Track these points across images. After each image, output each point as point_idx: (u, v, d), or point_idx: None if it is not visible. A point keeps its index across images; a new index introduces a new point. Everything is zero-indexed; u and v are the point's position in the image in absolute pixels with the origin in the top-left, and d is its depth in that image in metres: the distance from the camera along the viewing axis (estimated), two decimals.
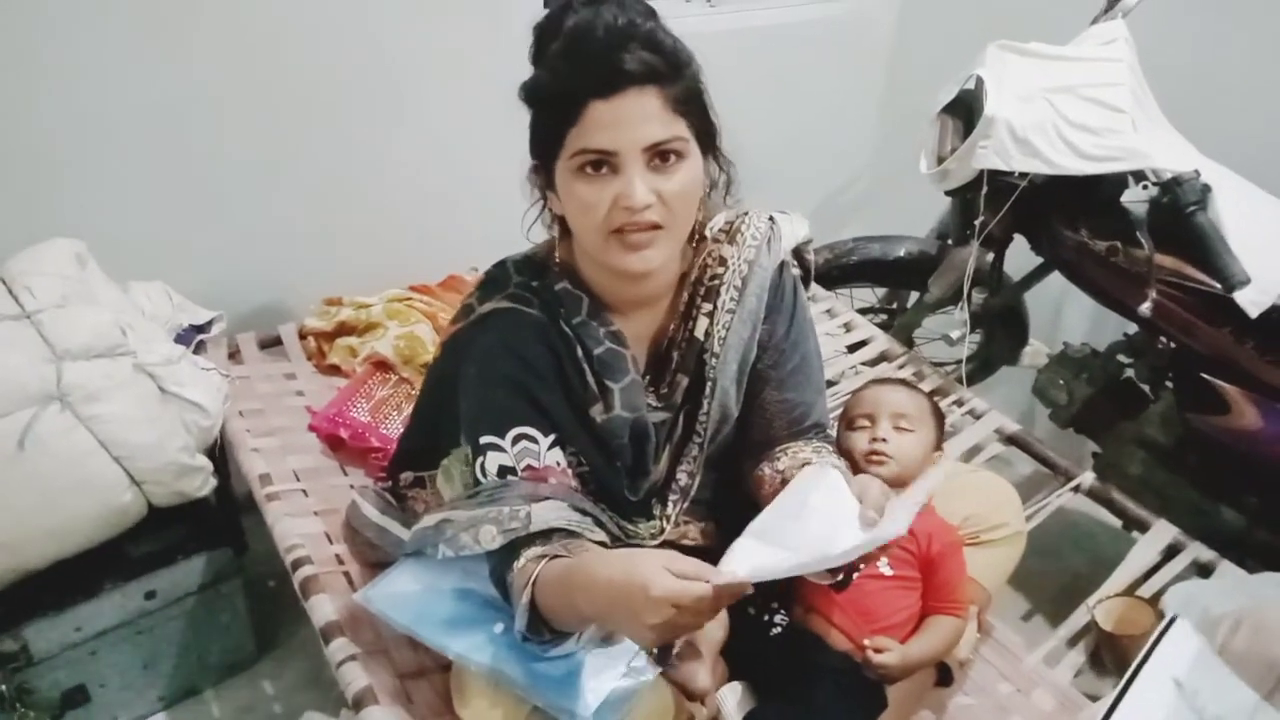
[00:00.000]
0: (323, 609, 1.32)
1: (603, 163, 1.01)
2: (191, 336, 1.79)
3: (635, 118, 0.99)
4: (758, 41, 2.44)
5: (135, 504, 1.54)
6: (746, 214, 1.22)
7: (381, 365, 1.82)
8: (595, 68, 0.98)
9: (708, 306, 1.19)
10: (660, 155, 1.01)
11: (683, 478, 1.25)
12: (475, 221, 2.11)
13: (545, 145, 1.05)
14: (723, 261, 1.19)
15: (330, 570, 1.41)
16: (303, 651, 1.85)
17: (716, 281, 1.19)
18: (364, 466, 1.66)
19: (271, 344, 1.95)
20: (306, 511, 1.53)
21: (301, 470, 1.63)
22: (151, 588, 1.62)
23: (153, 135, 1.77)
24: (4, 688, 1.51)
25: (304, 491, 1.58)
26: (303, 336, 1.96)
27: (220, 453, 1.70)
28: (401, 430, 1.59)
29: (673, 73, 1.01)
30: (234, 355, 1.89)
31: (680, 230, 1.08)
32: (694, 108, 1.04)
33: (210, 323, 1.84)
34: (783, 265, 1.24)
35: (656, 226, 1.04)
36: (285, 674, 1.83)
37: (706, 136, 1.08)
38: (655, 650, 1.08)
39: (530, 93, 1.06)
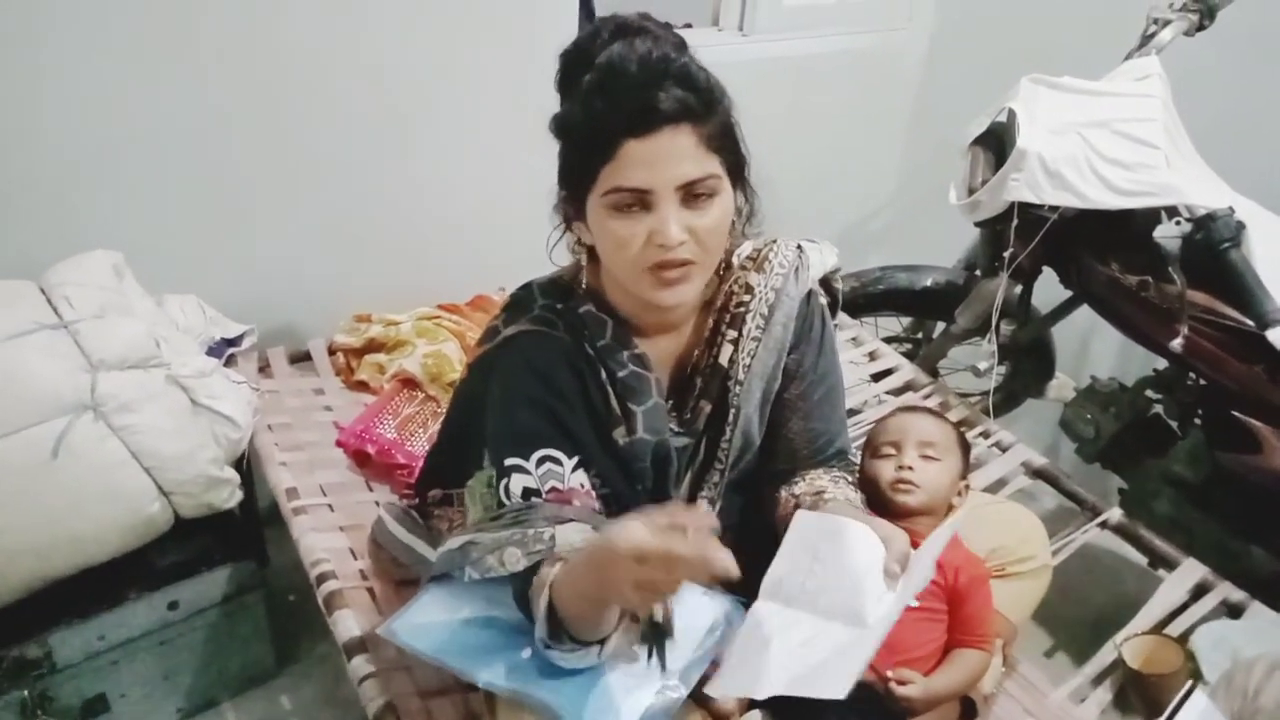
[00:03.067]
0: (346, 624, 1.32)
1: (636, 200, 1.01)
2: (223, 349, 1.81)
3: (670, 156, 0.99)
4: (789, 71, 2.46)
5: (163, 514, 1.55)
6: (774, 242, 1.23)
7: (409, 382, 1.83)
8: (630, 105, 0.98)
9: (733, 334, 1.19)
10: (694, 193, 1.01)
11: (703, 504, 1.24)
12: (503, 242, 2.13)
13: (576, 178, 1.05)
14: (749, 289, 1.20)
15: (354, 586, 1.42)
16: (321, 667, 1.85)
17: (742, 309, 1.19)
18: (389, 483, 1.66)
19: (301, 359, 1.97)
20: (332, 526, 1.54)
21: (328, 485, 1.64)
22: (175, 598, 1.62)
23: (191, 151, 1.80)
24: (26, 694, 1.51)
25: (330, 506, 1.58)
26: (332, 352, 1.97)
27: (247, 466, 1.71)
28: (428, 447, 1.60)
29: (706, 110, 1.00)
30: (264, 369, 1.90)
31: (712, 263, 1.09)
32: (727, 143, 1.04)
33: (242, 336, 1.86)
34: (810, 294, 1.24)
35: (687, 263, 1.04)
36: (303, 689, 1.83)
37: (737, 170, 1.08)
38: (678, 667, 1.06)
39: (561, 126, 1.06)
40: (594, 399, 1.15)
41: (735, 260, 1.21)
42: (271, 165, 1.89)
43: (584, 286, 1.17)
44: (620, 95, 0.99)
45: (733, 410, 1.20)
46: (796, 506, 1.20)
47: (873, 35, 2.61)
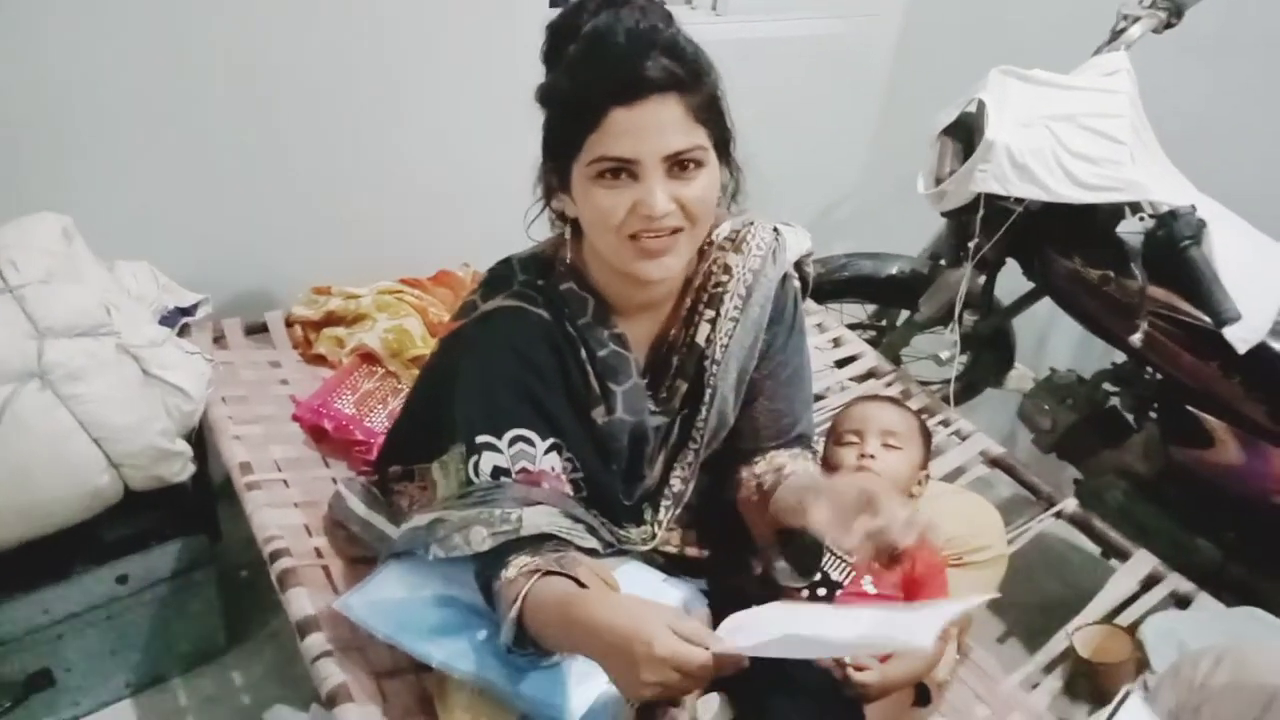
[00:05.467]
0: (300, 603, 1.30)
1: (622, 169, 1.00)
2: (176, 319, 1.76)
3: (656, 126, 0.98)
4: (761, 52, 2.44)
5: (112, 487, 1.51)
6: (752, 224, 1.22)
7: (368, 357, 1.79)
8: (617, 74, 0.97)
9: (710, 313, 1.19)
10: (680, 163, 1.01)
11: (676, 483, 1.24)
12: (469, 217, 2.10)
13: (561, 148, 1.04)
14: (727, 270, 1.19)
15: (309, 564, 1.39)
16: (273, 644, 1.83)
17: (720, 289, 1.19)
18: (347, 459, 1.64)
19: (258, 330, 1.93)
20: (287, 502, 1.51)
21: (283, 460, 1.60)
22: (123, 572, 1.59)
23: (147, 114, 1.75)
24: None
25: (285, 482, 1.56)
26: (289, 324, 1.93)
27: (199, 438, 1.67)
28: (388, 424, 1.58)
29: (694, 80, 1.00)
30: (219, 340, 1.86)
31: (698, 235, 1.08)
32: (713, 115, 1.03)
33: (196, 306, 1.81)
34: (785, 277, 1.24)
35: (676, 230, 1.03)
36: (254, 666, 1.80)
37: (723, 144, 1.07)
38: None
39: (547, 95, 1.05)
40: (573, 378, 1.14)
41: (714, 239, 1.20)
42: (233, 130, 1.84)
43: (565, 263, 1.16)
44: (607, 64, 0.98)
45: (709, 390, 1.20)
46: (759, 487, 1.21)
47: (845, 20, 2.60)
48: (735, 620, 0.93)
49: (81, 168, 1.72)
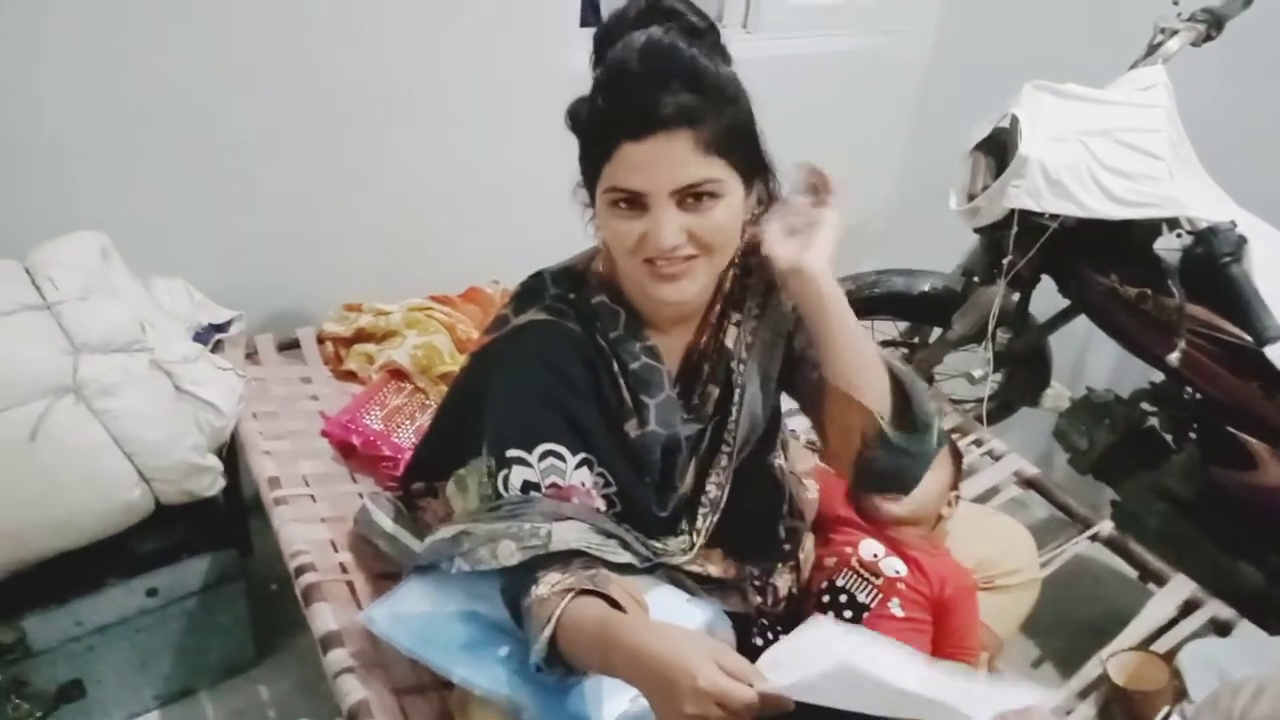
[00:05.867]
0: (323, 618, 1.30)
1: (633, 201, 1.00)
2: (210, 335, 1.79)
3: (664, 161, 0.97)
4: (792, 69, 2.44)
5: (143, 501, 1.53)
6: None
7: (397, 374, 1.81)
8: (627, 108, 0.97)
9: (736, 315, 1.19)
10: (693, 195, 1.00)
11: (712, 489, 1.22)
12: (498, 235, 2.12)
13: (585, 171, 1.06)
14: (749, 271, 1.19)
15: (334, 579, 1.40)
16: (301, 658, 1.83)
17: (744, 291, 1.19)
18: (374, 474, 1.65)
19: (289, 347, 1.95)
20: (314, 517, 1.52)
21: (311, 475, 1.62)
22: (154, 585, 1.61)
23: (184, 134, 1.78)
24: (0, 677, 1.50)
25: (312, 497, 1.57)
26: (321, 341, 1.95)
27: (230, 453, 1.69)
28: (416, 439, 1.59)
29: (711, 110, 0.98)
30: (251, 356, 1.88)
31: (718, 260, 1.07)
32: (734, 144, 1.01)
33: (230, 322, 1.84)
34: None
35: (691, 257, 1.03)
36: (282, 680, 1.81)
37: (751, 169, 1.05)
38: None
39: (572, 118, 1.05)
40: (605, 392, 1.13)
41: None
42: (266, 151, 1.87)
43: (598, 276, 1.16)
44: (620, 97, 0.98)
45: (737, 390, 1.19)
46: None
47: (877, 37, 2.59)
48: (774, 654, 0.91)
49: (120, 187, 1.76)
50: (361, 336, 1.90)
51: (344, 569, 1.43)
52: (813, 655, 0.87)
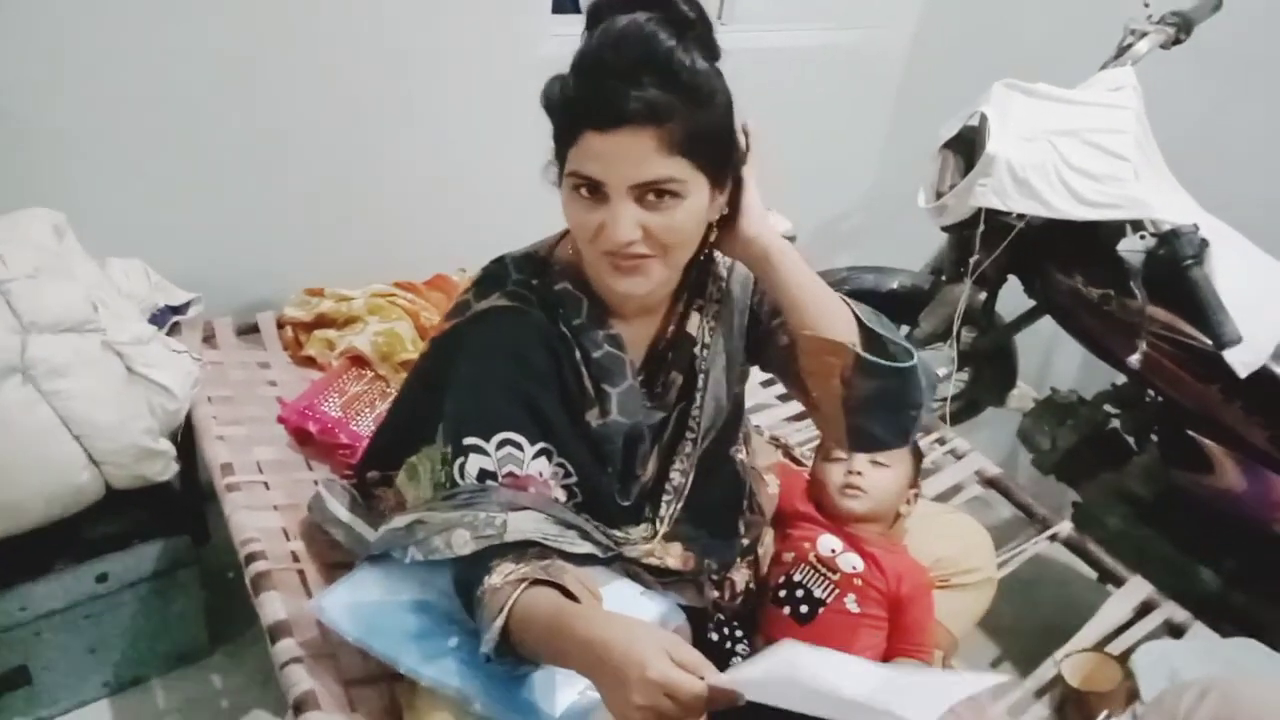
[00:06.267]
0: (272, 606, 1.28)
1: (594, 188, 0.98)
2: (167, 317, 1.76)
3: (626, 155, 0.95)
4: (766, 63, 2.43)
5: (93, 484, 1.50)
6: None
7: (358, 360, 1.78)
8: (596, 99, 0.95)
9: (698, 301, 1.18)
10: (654, 193, 0.97)
11: (676, 477, 1.21)
12: (466, 221, 2.10)
13: (556, 151, 1.03)
14: (710, 259, 1.18)
15: (284, 568, 1.38)
16: (256, 648, 1.81)
17: (704, 277, 1.18)
18: (330, 462, 1.62)
19: (248, 331, 1.92)
20: (267, 505, 1.49)
21: (266, 462, 1.59)
22: (103, 570, 1.58)
23: (145, 113, 1.74)
24: None
25: (266, 484, 1.54)
26: (281, 326, 1.93)
27: (187, 438, 1.66)
28: (375, 427, 1.56)
29: (681, 109, 0.95)
30: (209, 340, 1.85)
31: (676, 259, 1.05)
32: (703, 145, 0.98)
33: (188, 305, 1.81)
34: None
35: (648, 256, 1.01)
36: (236, 670, 1.79)
37: (720, 170, 1.03)
38: None
39: (545, 99, 1.02)
40: (567, 380, 1.12)
41: None
42: (230, 131, 1.84)
43: (562, 262, 1.14)
44: (590, 87, 0.96)
45: (701, 375, 1.18)
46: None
47: (854, 31, 2.58)
48: (740, 669, 0.91)
49: (78, 165, 1.72)
50: (323, 322, 1.88)
51: (295, 558, 1.41)
52: (774, 663, 0.87)
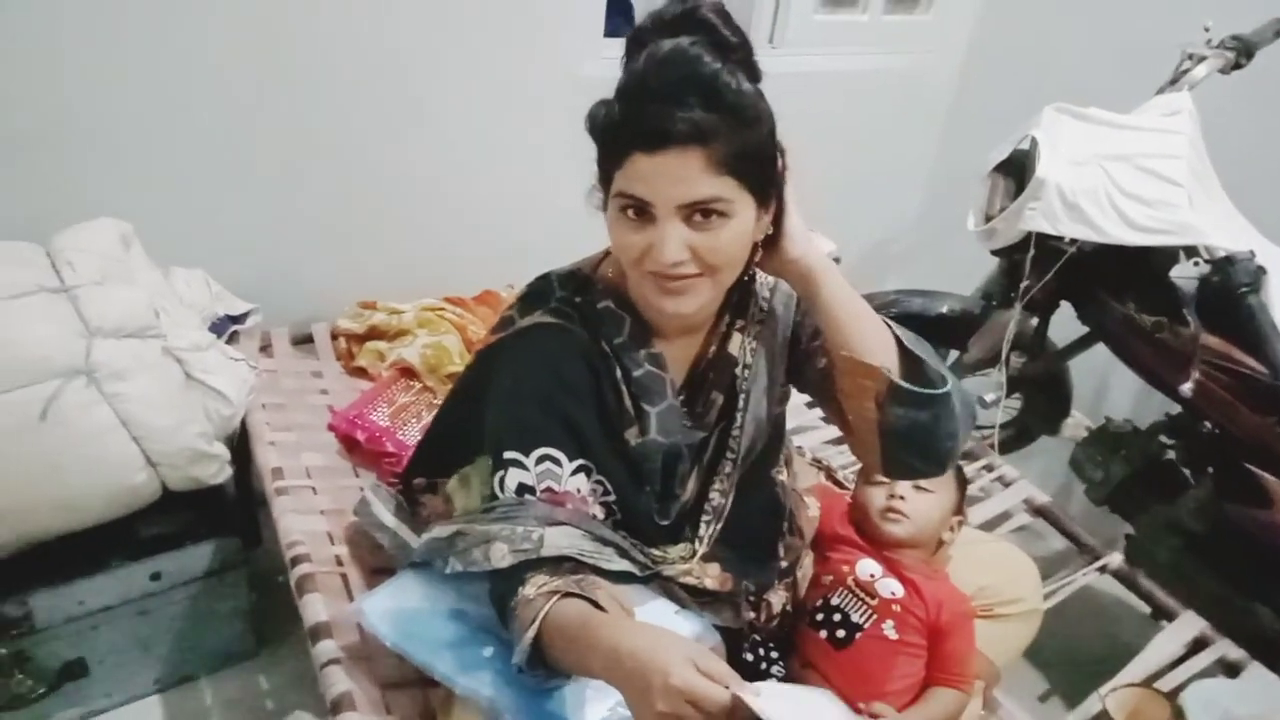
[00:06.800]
0: (314, 608, 1.31)
1: (640, 210, 0.99)
2: (226, 326, 1.82)
3: (674, 175, 0.96)
4: (816, 87, 2.44)
5: (149, 485, 1.55)
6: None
7: (407, 372, 1.82)
8: (642, 121, 0.96)
9: (740, 322, 1.19)
10: (700, 213, 0.99)
11: (716, 497, 1.21)
12: (514, 239, 2.13)
13: (601, 174, 1.05)
14: (752, 279, 1.19)
15: (328, 571, 1.41)
16: (301, 650, 1.82)
17: (747, 297, 1.19)
18: (376, 470, 1.65)
19: (303, 341, 1.98)
20: (313, 509, 1.53)
21: (314, 468, 1.63)
22: (157, 569, 1.62)
23: (209, 129, 1.81)
24: (4, 651, 1.52)
25: (313, 489, 1.58)
26: (334, 337, 1.98)
27: (242, 443, 1.71)
28: (421, 435, 1.59)
29: (726, 129, 0.96)
30: (265, 349, 1.91)
31: (723, 279, 1.06)
32: (748, 164, 0.99)
33: (246, 314, 1.87)
34: None
35: (696, 275, 1.02)
36: (281, 670, 1.82)
37: (766, 190, 1.04)
38: None
39: (590, 123, 1.04)
40: (607, 398, 1.13)
41: None
42: (289, 149, 1.90)
43: (605, 280, 1.15)
44: (636, 109, 0.97)
45: (742, 395, 1.18)
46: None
47: (903, 56, 2.58)
48: (773, 687, 0.91)
49: (146, 179, 1.79)
50: (374, 334, 1.92)
51: (339, 561, 1.44)
52: (805, 698, 0.87)
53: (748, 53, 1.00)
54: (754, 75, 1.01)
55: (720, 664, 0.86)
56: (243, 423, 1.69)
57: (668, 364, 1.16)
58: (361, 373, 1.89)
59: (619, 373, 1.13)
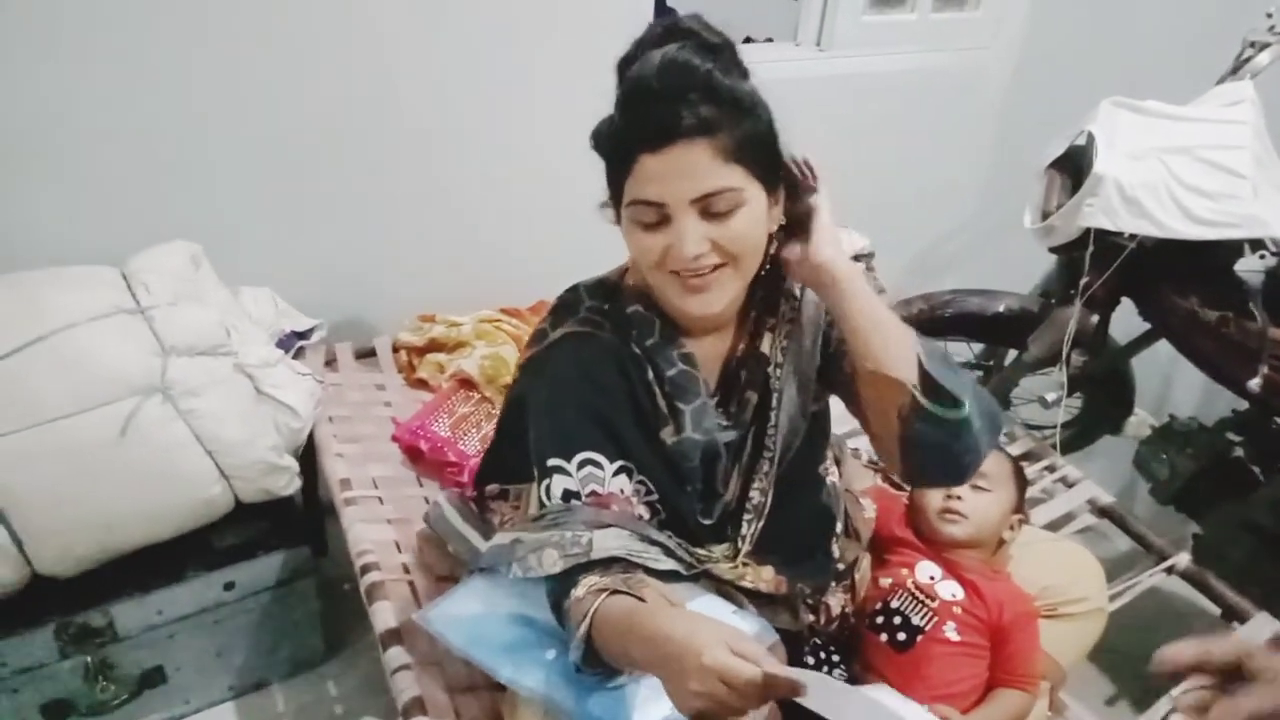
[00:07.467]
0: (384, 616, 1.35)
1: (655, 213, 1.01)
2: (292, 342, 1.88)
3: (684, 170, 0.98)
4: (867, 87, 2.43)
5: (223, 497, 1.61)
6: None
7: (466, 383, 1.86)
8: (645, 122, 0.99)
9: (770, 320, 1.19)
10: (714, 203, 1.01)
11: (756, 496, 1.22)
12: (567, 249, 2.15)
13: (611, 188, 1.07)
14: (783, 276, 1.19)
15: (396, 578, 1.45)
16: (369, 656, 1.89)
17: (775, 295, 1.19)
18: (439, 479, 1.69)
19: (366, 355, 2.03)
20: (381, 519, 1.57)
21: (380, 478, 1.67)
22: (231, 579, 1.68)
23: (272, 153, 1.87)
24: (89, 659, 1.59)
25: (380, 499, 1.62)
26: (396, 350, 2.02)
27: (308, 455, 1.76)
28: (481, 446, 1.63)
29: (728, 120, 0.99)
30: (330, 363, 1.96)
31: (745, 269, 1.08)
32: (753, 152, 1.02)
33: (311, 330, 1.92)
34: None
35: (718, 266, 1.04)
36: (350, 676, 1.87)
37: (773, 177, 1.06)
38: None
39: (595, 138, 1.08)
40: (641, 399, 1.15)
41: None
42: (347, 169, 1.95)
43: (630, 287, 1.17)
44: (638, 112, 1.00)
45: (775, 394, 1.19)
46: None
47: (955, 54, 2.56)
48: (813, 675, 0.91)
49: (214, 203, 1.86)
50: (434, 346, 1.96)
51: (406, 569, 1.48)
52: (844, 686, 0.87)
53: (733, 52, 1.03)
54: (743, 73, 1.04)
55: (753, 644, 0.87)
56: (310, 435, 1.73)
57: (700, 362, 1.17)
58: (423, 384, 1.93)
59: (651, 374, 1.15)
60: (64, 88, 1.65)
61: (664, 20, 1.04)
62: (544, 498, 1.11)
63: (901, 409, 1.06)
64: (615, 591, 1.01)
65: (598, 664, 1.02)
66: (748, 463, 1.21)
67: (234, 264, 1.82)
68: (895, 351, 1.06)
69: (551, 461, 1.11)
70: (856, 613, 1.36)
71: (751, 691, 0.83)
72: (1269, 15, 1.73)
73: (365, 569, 1.44)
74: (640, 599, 1.00)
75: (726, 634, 0.87)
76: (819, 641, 1.30)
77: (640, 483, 1.15)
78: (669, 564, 1.13)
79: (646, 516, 1.15)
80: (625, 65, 1.04)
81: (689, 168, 0.99)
